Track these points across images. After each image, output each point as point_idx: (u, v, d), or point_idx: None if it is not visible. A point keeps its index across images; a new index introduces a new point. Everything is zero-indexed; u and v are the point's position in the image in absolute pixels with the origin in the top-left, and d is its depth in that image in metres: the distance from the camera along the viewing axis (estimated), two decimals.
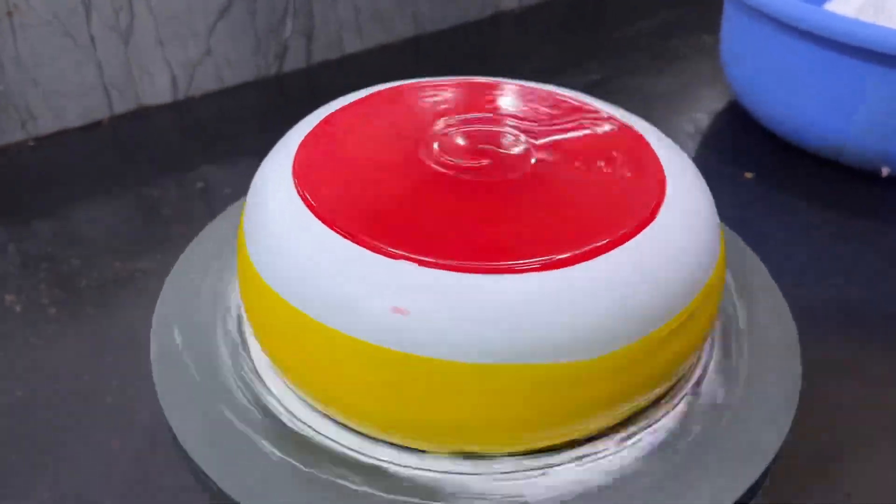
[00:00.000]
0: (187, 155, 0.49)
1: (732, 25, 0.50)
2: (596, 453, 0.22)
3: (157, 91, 0.53)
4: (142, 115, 0.53)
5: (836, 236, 0.44)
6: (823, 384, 0.34)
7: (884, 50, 0.39)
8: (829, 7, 0.52)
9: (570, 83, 0.59)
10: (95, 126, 0.51)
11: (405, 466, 0.22)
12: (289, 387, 0.24)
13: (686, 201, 0.23)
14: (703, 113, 0.55)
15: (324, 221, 0.21)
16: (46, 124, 0.50)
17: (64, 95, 0.50)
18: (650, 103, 0.56)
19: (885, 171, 0.45)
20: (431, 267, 0.20)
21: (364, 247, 0.20)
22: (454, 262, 0.20)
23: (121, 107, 0.52)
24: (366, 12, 0.60)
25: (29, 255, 0.41)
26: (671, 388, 0.24)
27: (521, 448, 0.22)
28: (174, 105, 0.54)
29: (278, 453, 0.22)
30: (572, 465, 0.21)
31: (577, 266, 0.20)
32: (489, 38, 0.67)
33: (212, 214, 0.36)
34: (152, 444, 0.31)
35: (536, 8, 0.70)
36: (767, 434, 0.22)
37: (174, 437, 0.23)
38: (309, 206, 0.22)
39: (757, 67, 0.48)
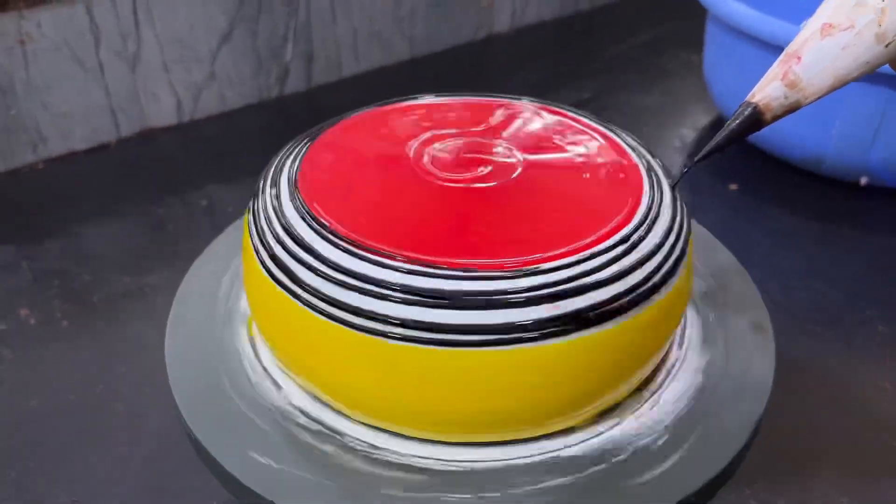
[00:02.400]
0: (192, 175, 0.51)
1: (714, 43, 0.52)
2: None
3: (163, 113, 0.55)
4: (148, 137, 0.55)
5: (818, 244, 0.45)
6: (804, 384, 0.35)
7: None
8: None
9: (561, 101, 0.60)
10: (103, 148, 0.53)
11: (438, 459, 0.23)
12: (299, 384, 0.25)
13: (658, 209, 0.25)
14: (689, 128, 0.57)
15: (324, 227, 0.23)
16: (56, 146, 0.52)
17: (73, 119, 0.51)
18: (639, 119, 0.58)
19: (863, 181, 0.47)
20: (422, 264, 0.22)
21: (362, 247, 0.22)
22: (445, 261, 0.22)
23: (127, 129, 0.54)
24: (363, 35, 0.62)
25: (41, 272, 0.42)
26: (646, 380, 0.25)
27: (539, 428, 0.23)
28: (179, 127, 0.56)
29: (293, 448, 0.23)
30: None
31: (554, 263, 0.22)
32: (483, 58, 0.69)
33: (216, 231, 0.37)
34: (164, 449, 0.32)
35: (528, 29, 0.73)
36: (741, 423, 0.24)
37: (189, 438, 0.25)
38: (313, 209, 0.24)
39: (738, 83, 0.50)
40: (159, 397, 0.34)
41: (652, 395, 0.25)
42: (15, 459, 0.32)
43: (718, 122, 0.57)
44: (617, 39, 0.71)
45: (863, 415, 0.34)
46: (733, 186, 0.50)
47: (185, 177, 0.51)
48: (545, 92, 0.62)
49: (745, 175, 0.51)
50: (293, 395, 0.25)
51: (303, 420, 0.24)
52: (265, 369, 0.26)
